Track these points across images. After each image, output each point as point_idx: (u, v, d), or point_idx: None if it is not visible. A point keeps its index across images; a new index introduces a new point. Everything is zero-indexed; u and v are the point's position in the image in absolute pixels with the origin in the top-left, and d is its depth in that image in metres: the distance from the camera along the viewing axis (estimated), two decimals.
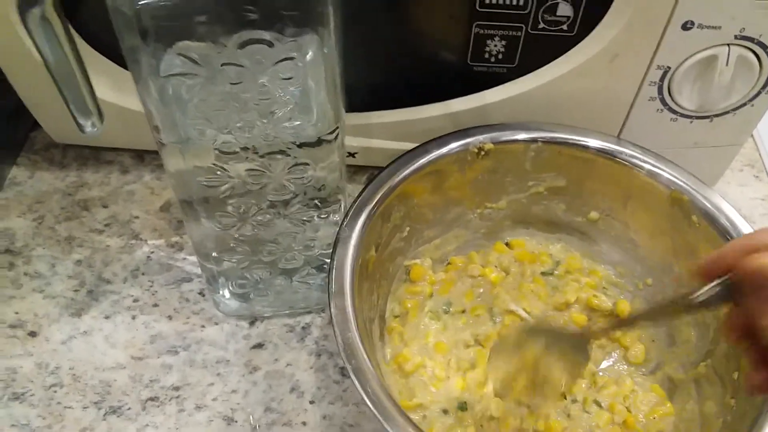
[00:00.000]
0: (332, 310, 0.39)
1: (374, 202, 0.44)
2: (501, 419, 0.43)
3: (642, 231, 0.48)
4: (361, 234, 0.42)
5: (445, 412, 0.43)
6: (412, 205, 0.47)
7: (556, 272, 0.50)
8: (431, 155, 0.46)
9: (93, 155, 0.61)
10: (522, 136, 0.48)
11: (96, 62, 0.49)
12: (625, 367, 0.46)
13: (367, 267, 0.43)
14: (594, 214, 0.50)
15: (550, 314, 0.49)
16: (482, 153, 0.47)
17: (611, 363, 0.47)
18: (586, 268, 0.51)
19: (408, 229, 0.48)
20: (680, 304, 0.34)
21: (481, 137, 0.47)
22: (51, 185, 0.58)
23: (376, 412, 0.34)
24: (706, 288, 0.31)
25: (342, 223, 0.43)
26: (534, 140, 0.47)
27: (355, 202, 0.44)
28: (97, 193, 0.58)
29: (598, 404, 0.44)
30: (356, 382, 0.36)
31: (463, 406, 0.43)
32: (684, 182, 0.45)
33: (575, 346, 0.40)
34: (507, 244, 0.52)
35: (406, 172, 0.46)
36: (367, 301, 0.44)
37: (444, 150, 0.47)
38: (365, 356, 0.37)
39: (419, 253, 0.51)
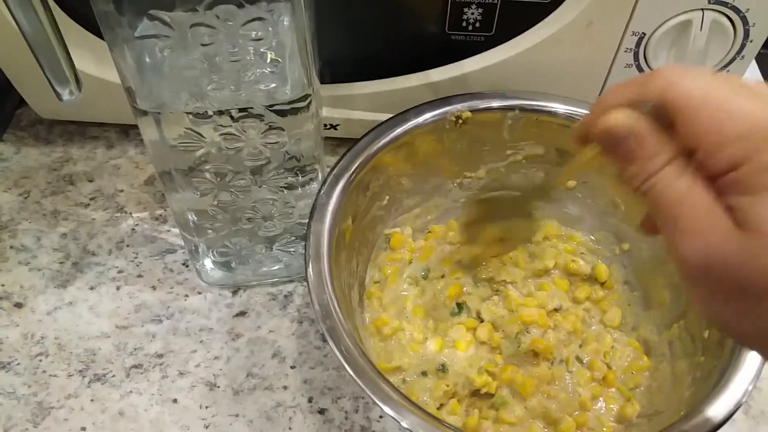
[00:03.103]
0: (309, 273, 0.39)
1: (352, 171, 0.44)
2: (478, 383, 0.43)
3: (618, 197, 0.49)
4: (339, 202, 0.43)
5: (424, 374, 0.44)
6: (390, 175, 0.48)
7: (534, 239, 0.51)
8: (409, 124, 0.47)
9: (78, 131, 0.61)
10: (499, 104, 0.48)
11: (78, 36, 0.50)
12: (602, 328, 0.47)
13: (344, 236, 0.44)
14: (571, 182, 0.51)
15: None
16: (460, 121, 0.47)
17: (590, 326, 0.47)
18: (564, 234, 0.51)
19: (387, 198, 0.49)
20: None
21: (458, 105, 0.47)
22: (37, 161, 0.59)
23: (348, 368, 0.35)
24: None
25: (319, 191, 0.43)
26: (511, 108, 0.48)
27: (332, 170, 0.44)
28: (83, 168, 0.58)
29: (580, 361, 0.44)
30: (330, 342, 0.36)
31: (442, 368, 0.44)
32: None
33: (520, 207, 0.44)
34: None
35: (384, 141, 0.46)
36: (346, 269, 0.44)
37: (421, 119, 0.47)
38: (340, 317, 0.37)
39: (399, 222, 0.51)
